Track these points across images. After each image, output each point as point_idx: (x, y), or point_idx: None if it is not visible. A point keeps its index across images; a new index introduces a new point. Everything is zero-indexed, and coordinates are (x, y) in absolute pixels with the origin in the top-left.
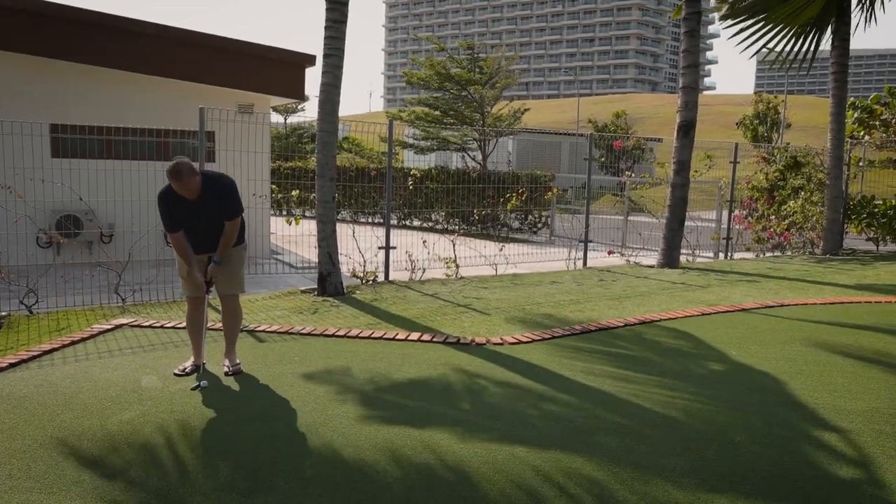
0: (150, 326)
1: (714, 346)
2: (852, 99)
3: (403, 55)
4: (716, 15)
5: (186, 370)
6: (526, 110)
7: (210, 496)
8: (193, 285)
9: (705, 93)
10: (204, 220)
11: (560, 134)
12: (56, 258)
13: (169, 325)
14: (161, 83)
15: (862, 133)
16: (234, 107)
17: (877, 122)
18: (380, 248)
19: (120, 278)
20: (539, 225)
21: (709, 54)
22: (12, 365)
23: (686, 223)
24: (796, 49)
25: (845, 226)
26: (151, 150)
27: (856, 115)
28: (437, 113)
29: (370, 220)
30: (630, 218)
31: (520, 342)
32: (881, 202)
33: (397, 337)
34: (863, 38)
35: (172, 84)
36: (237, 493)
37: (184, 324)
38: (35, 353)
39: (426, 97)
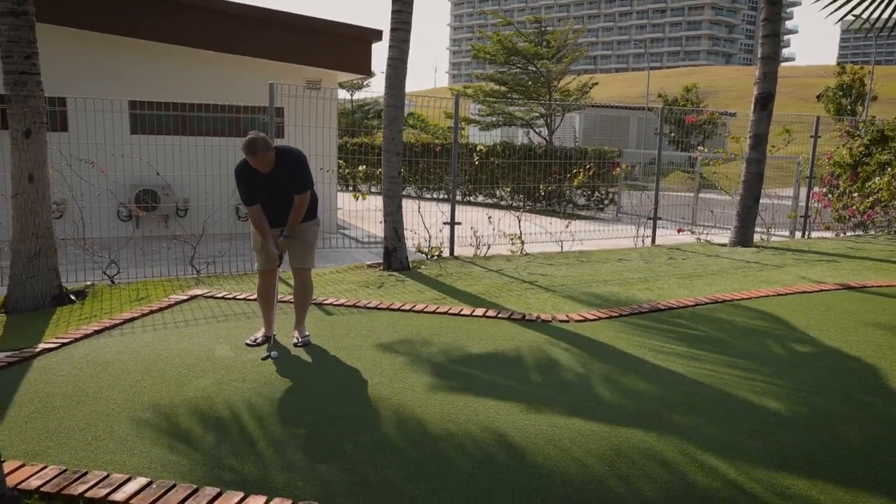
0: (223, 298)
1: (791, 327)
2: None
3: (469, 30)
4: None
5: (258, 340)
6: (594, 84)
7: (280, 461)
8: (267, 258)
9: (784, 64)
10: (278, 194)
11: (628, 108)
12: (135, 231)
13: (241, 296)
14: (232, 60)
15: None
16: (302, 83)
17: None
18: (445, 223)
19: (195, 251)
20: (606, 202)
21: (788, 23)
22: (97, 332)
23: (761, 200)
24: (885, 15)
25: None
26: (224, 125)
27: None
28: (504, 88)
29: (435, 195)
30: (701, 195)
31: (586, 320)
32: None
33: (462, 312)
34: None
35: (243, 61)
36: (308, 458)
37: (255, 296)
38: (117, 322)
39: (492, 72)
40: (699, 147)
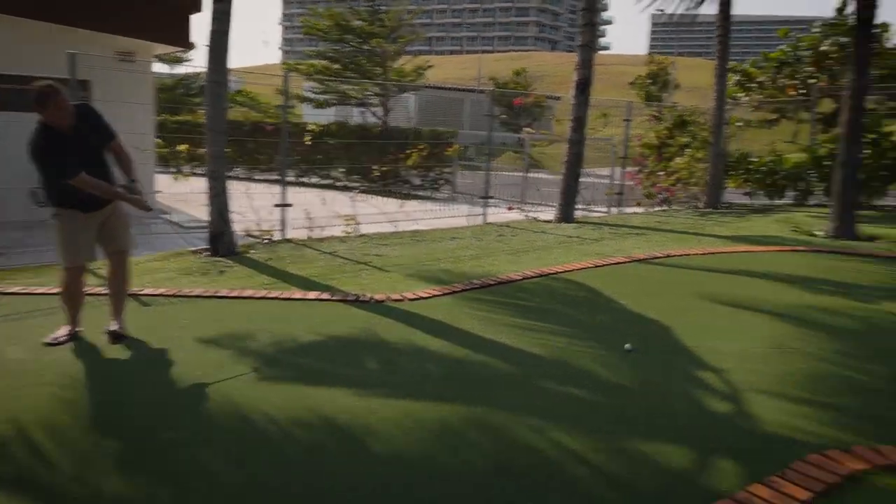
0: (15, 293)
1: (607, 296)
2: (733, 63)
3: (301, 4)
4: None
5: (59, 339)
6: (429, 66)
7: (92, 467)
8: (82, 250)
9: (602, 52)
10: (92, 155)
11: (461, 90)
12: None
13: (38, 291)
14: (25, 25)
15: (741, 95)
16: (111, 54)
17: (753, 85)
18: (276, 205)
19: None
20: (440, 182)
21: (605, 14)
22: None
23: (582, 179)
24: (681, 11)
25: (725, 181)
26: (14, 99)
27: (736, 78)
28: (337, 66)
29: (266, 177)
30: (529, 174)
31: (420, 298)
32: (756, 159)
33: (293, 296)
34: (745, 5)
35: (39, 27)
36: (119, 463)
37: (56, 290)
38: None
39: (325, 49)
40: (525, 129)
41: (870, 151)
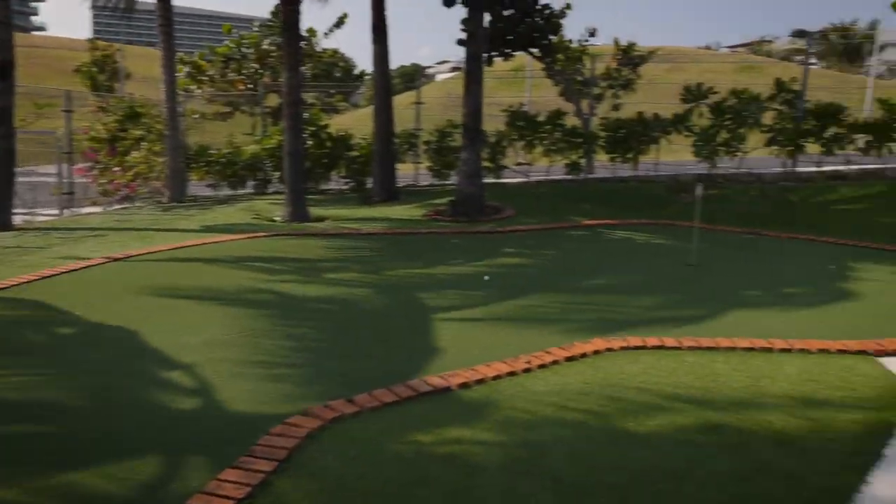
0: None
1: (58, 309)
2: (182, 54)
3: None
4: None
5: None
6: None
7: None
8: None
9: (36, 34)
10: None
11: None
12: None
13: None
14: None
15: (194, 87)
16: None
17: (205, 78)
18: None
19: None
20: None
21: None
22: None
23: (24, 179)
24: None
25: (188, 174)
26: None
27: (186, 70)
28: None
29: None
30: None
31: None
32: (216, 151)
33: None
34: None
35: None
36: None
37: None
38: None
39: None
40: None
41: (312, 142)
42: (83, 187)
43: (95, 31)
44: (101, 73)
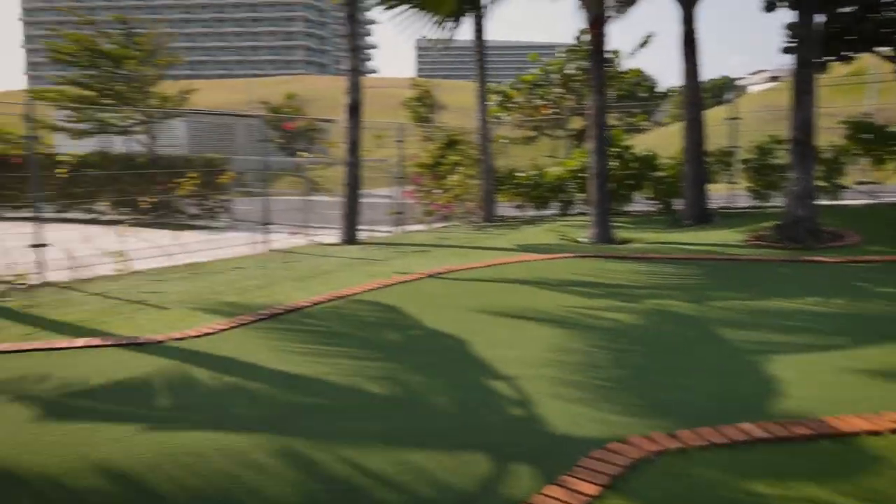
0: None
1: (398, 314)
2: (491, 84)
3: (43, 26)
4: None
5: None
6: (193, 90)
7: None
8: None
9: (370, 76)
10: None
11: (231, 115)
12: None
13: None
14: None
15: (503, 114)
16: None
17: (513, 105)
18: (30, 245)
19: None
20: (218, 210)
21: (370, 39)
22: None
23: (364, 200)
24: (439, 36)
25: (497, 196)
26: None
27: (497, 99)
28: (91, 93)
29: (16, 214)
30: (310, 198)
31: (205, 334)
32: (522, 174)
33: (57, 346)
34: (498, 33)
35: None
36: None
37: None
38: None
39: (76, 75)
40: (301, 153)
41: (616, 163)
42: (409, 208)
43: (419, 69)
44: (423, 106)
